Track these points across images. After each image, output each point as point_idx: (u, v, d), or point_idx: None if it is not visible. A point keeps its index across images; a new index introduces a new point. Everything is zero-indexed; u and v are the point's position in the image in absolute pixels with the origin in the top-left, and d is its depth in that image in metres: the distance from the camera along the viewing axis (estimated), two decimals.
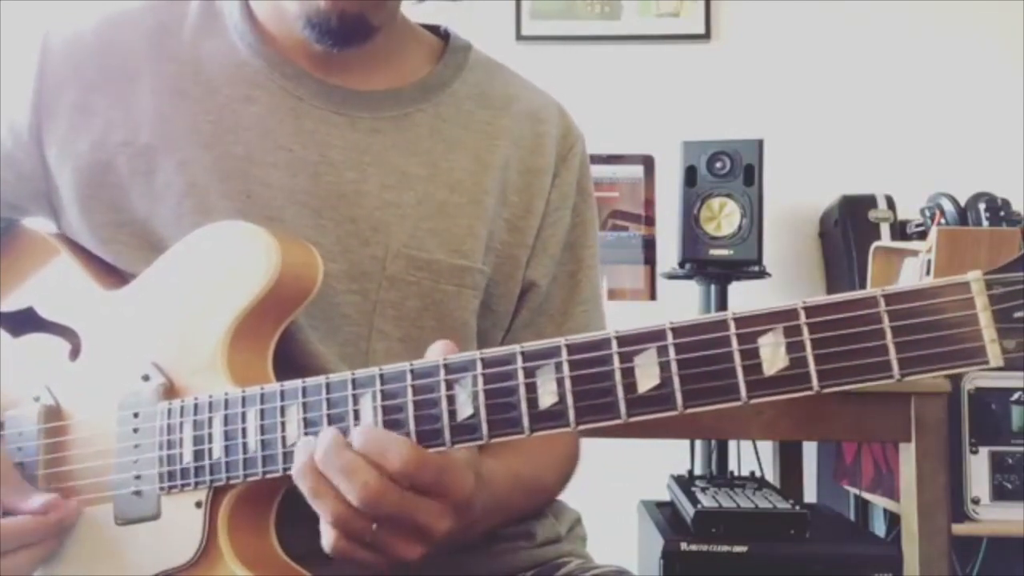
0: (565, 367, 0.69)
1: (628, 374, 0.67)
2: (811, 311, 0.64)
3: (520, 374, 0.70)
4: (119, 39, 0.96)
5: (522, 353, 0.70)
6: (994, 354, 0.59)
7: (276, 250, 0.82)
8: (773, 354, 0.64)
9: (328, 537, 0.73)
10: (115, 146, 0.93)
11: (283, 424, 0.77)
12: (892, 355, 0.61)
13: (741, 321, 0.65)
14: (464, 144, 0.99)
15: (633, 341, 0.68)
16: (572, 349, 0.69)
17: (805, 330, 0.63)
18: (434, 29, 1.07)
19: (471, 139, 0.99)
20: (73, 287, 0.93)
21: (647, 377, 0.67)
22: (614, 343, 0.68)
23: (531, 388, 0.70)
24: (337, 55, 0.94)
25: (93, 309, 0.91)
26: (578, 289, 1.04)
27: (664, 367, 0.66)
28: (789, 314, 0.64)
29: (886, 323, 0.62)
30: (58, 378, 0.90)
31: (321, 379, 0.77)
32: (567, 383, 0.69)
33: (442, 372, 0.73)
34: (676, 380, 0.66)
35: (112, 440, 0.85)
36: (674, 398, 0.66)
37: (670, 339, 0.66)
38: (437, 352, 0.74)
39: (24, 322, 0.94)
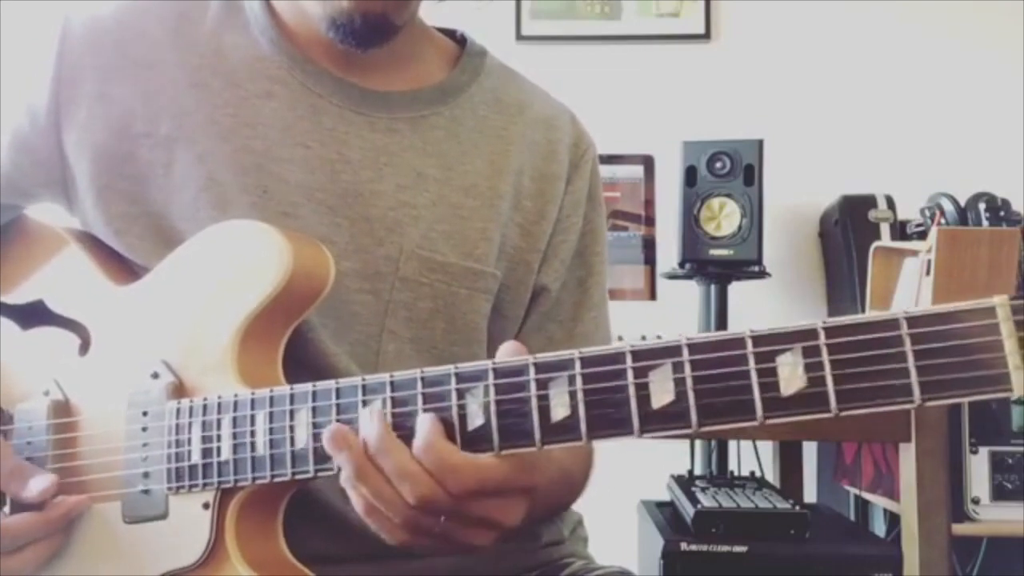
0: (578, 380, 0.67)
1: (642, 389, 0.66)
2: (831, 331, 0.62)
3: (532, 386, 0.69)
4: (140, 27, 0.95)
5: (535, 364, 0.69)
6: (1018, 382, 0.57)
7: (288, 250, 0.82)
8: (791, 374, 0.62)
9: (392, 533, 0.72)
10: (135, 136, 0.92)
11: (292, 428, 0.77)
12: (914, 379, 0.59)
13: (759, 339, 0.64)
14: (479, 148, 0.99)
15: (648, 356, 0.66)
16: (586, 362, 0.68)
17: (824, 351, 0.61)
18: (450, 33, 1.07)
19: (486, 144, 1.00)
20: (83, 281, 0.93)
21: (662, 393, 0.65)
22: (629, 357, 0.66)
23: (543, 400, 0.69)
24: (357, 56, 0.94)
25: (103, 304, 0.91)
26: (588, 295, 1.04)
27: (679, 383, 0.65)
28: (808, 334, 0.62)
29: (908, 346, 0.60)
30: (67, 373, 0.90)
31: (331, 383, 0.76)
32: (580, 396, 0.67)
33: (453, 381, 0.71)
34: (691, 397, 0.65)
35: (121, 438, 0.85)
36: (689, 415, 0.65)
37: (686, 355, 0.65)
38: (507, 353, 0.73)
39: (34, 315, 0.94)
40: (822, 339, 0.62)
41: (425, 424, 0.70)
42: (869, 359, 0.61)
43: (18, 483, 0.85)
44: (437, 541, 0.72)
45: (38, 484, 0.85)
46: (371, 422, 0.71)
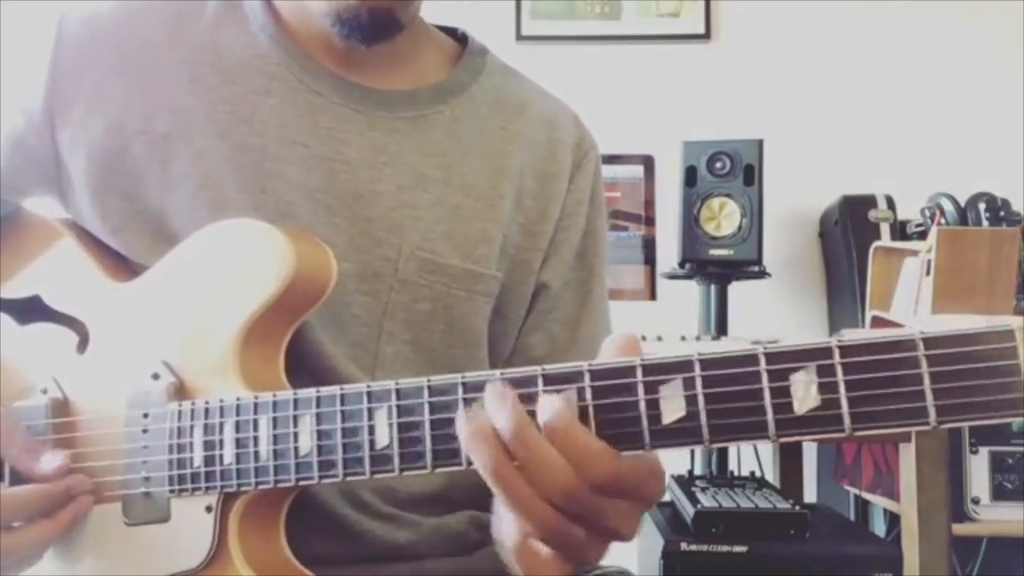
0: (588, 393, 0.66)
1: (653, 405, 0.64)
2: (846, 351, 0.60)
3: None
4: (137, 24, 0.94)
5: (543, 376, 0.67)
6: None
7: (290, 251, 0.81)
8: (804, 393, 0.61)
9: (527, 548, 0.66)
10: (131, 133, 0.91)
11: (296, 435, 0.76)
12: (929, 401, 0.58)
13: (772, 357, 0.62)
14: (479, 148, 0.98)
15: (659, 371, 0.65)
16: (595, 375, 0.66)
17: (839, 370, 0.60)
18: (451, 32, 1.07)
19: (487, 144, 0.99)
20: (80, 277, 0.92)
21: (672, 408, 0.64)
22: (639, 371, 0.65)
23: None
24: (357, 54, 0.93)
25: (101, 301, 0.90)
26: (590, 298, 1.03)
27: (691, 400, 0.63)
28: (823, 352, 0.61)
29: (924, 368, 0.59)
30: (65, 370, 0.89)
31: (336, 389, 0.75)
32: (589, 410, 0.65)
33: (460, 390, 0.69)
34: (703, 414, 0.63)
35: (121, 439, 0.84)
36: (700, 431, 0.63)
37: (697, 370, 0.64)
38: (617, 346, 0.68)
39: (31, 310, 0.93)
40: (836, 358, 0.61)
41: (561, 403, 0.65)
42: (884, 380, 0.59)
43: (33, 457, 0.84)
44: (564, 552, 0.67)
45: (52, 460, 0.83)
46: (502, 407, 0.65)
